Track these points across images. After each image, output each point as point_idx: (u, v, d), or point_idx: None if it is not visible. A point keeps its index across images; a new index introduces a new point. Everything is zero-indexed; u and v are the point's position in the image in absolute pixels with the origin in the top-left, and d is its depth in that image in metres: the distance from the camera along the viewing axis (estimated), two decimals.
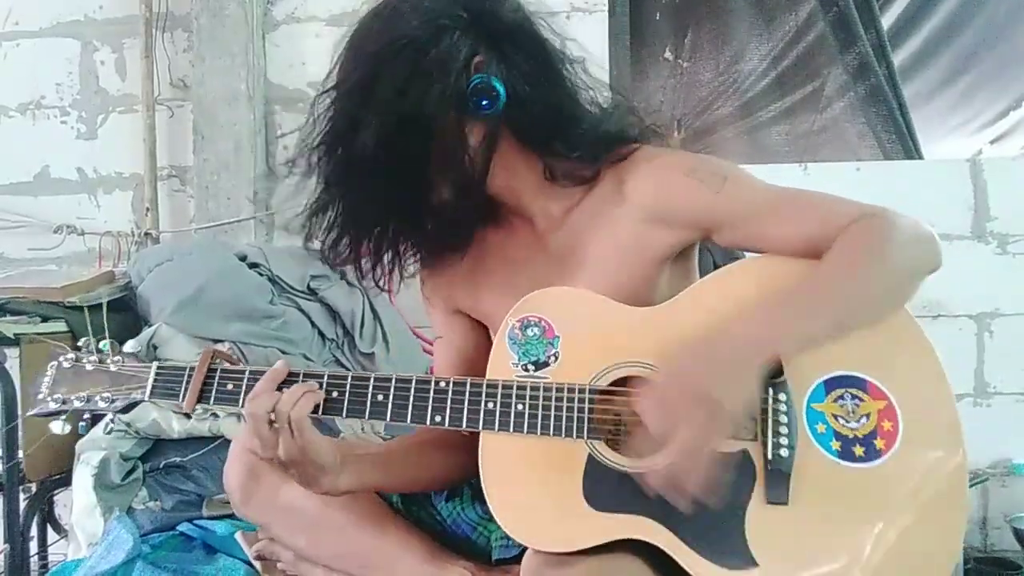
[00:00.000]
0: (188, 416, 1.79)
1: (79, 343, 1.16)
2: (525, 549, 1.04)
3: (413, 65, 1.01)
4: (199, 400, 1.08)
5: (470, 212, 1.12)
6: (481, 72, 1.04)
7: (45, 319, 1.93)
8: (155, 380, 1.10)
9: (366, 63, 1.04)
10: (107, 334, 1.88)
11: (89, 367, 1.13)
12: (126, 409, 1.13)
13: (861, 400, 0.96)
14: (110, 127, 2.69)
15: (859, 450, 0.94)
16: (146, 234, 2.58)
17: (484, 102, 1.04)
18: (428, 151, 1.04)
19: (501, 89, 1.04)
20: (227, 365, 1.10)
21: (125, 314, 2.10)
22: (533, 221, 1.15)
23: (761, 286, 1.02)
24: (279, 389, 1.04)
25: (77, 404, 1.11)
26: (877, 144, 2.78)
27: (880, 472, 0.94)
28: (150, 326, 2.00)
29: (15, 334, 1.81)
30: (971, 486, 2.28)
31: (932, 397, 0.97)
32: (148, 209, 2.60)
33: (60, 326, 1.93)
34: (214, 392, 1.08)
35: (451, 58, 1.02)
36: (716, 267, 1.16)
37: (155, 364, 1.11)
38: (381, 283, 1.18)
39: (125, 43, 2.67)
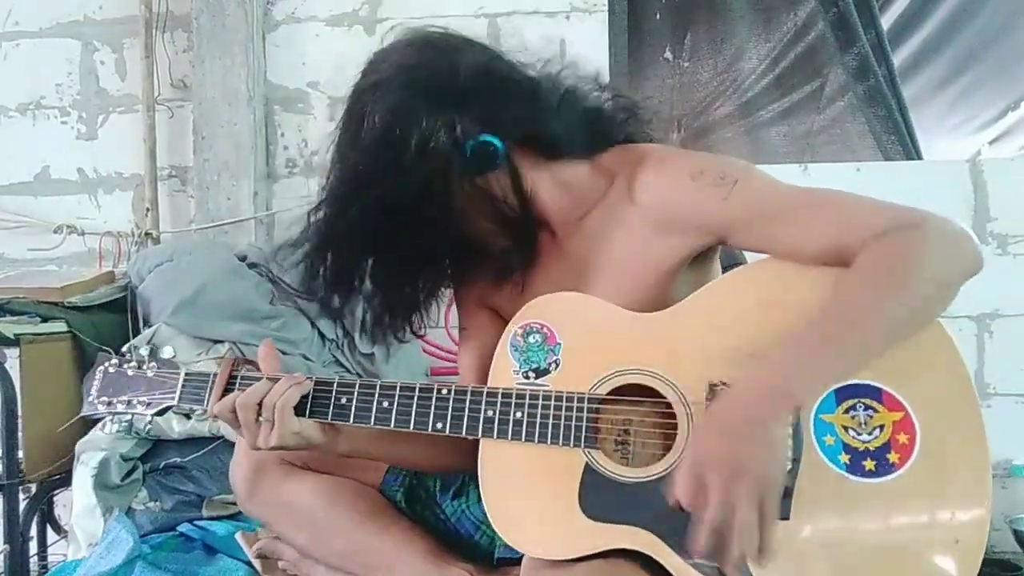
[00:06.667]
0: (188, 416, 1.79)
1: (123, 348, 1.21)
2: None
3: (401, 168, 1.03)
4: None
5: (530, 237, 1.14)
6: (469, 138, 1.04)
7: (45, 319, 1.92)
8: (183, 386, 1.14)
9: (357, 181, 1.06)
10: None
11: (130, 372, 1.17)
12: (160, 413, 1.17)
13: (875, 411, 0.91)
14: (110, 127, 2.69)
15: (870, 464, 0.90)
16: (146, 234, 2.58)
17: (489, 161, 1.06)
18: (463, 228, 1.09)
19: (496, 141, 1.05)
20: (248, 371, 1.12)
21: (125, 314, 2.10)
22: (552, 228, 1.15)
23: (765, 293, 1.00)
24: None
25: (120, 408, 1.16)
26: (877, 144, 2.77)
27: (891, 488, 0.89)
28: (150, 326, 2.00)
29: (15, 334, 1.81)
30: None
31: (956, 410, 0.91)
32: (148, 209, 2.60)
33: (60, 326, 1.93)
34: None
35: (433, 146, 1.03)
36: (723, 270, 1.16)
37: (183, 371, 1.15)
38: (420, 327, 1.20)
39: (125, 43, 2.67)
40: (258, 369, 1.13)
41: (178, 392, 1.14)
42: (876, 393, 0.91)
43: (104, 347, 1.94)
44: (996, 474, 2.36)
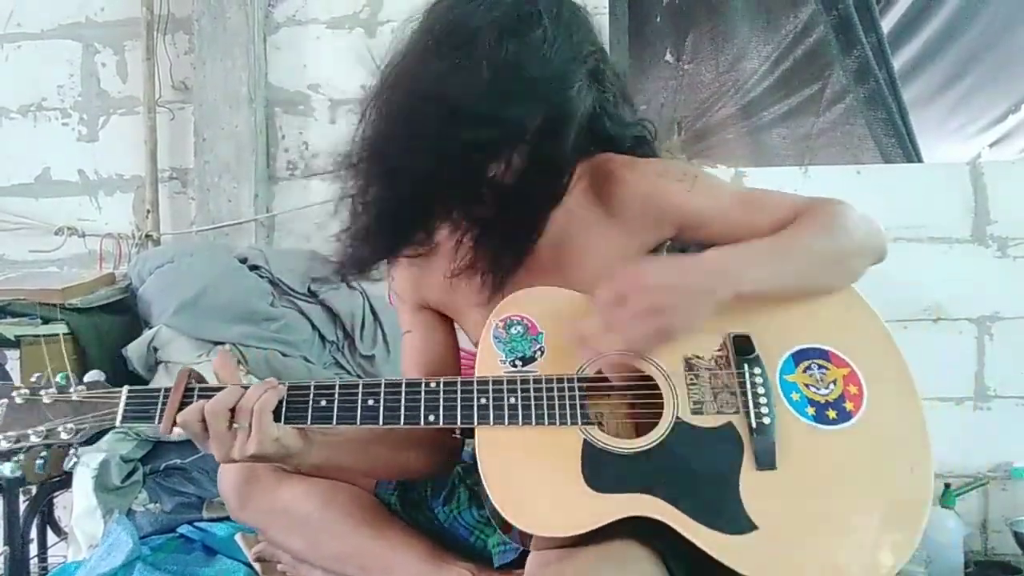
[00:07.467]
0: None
1: (32, 378, 1.09)
2: (525, 554, 1.06)
3: (557, 83, 1.01)
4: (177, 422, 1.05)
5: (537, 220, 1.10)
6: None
7: (46, 321, 1.93)
8: (127, 404, 1.06)
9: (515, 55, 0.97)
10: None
11: (47, 400, 1.07)
12: (94, 438, 1.07)
13: (827, 368, 1.06)
14: (111, 129, 2.69)
15: (832, 413, 1.03)
16: (147, 236, 2.58)
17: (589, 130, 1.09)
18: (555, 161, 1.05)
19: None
20: (204, 384, 1.06)
21: (126, 316, 2.10)
22: None
23: None
24: None
25: (35, 439, 1.05)
26: (877, 147, 2.78)
27: (854, 431, 1.02)
28: (151, 328, 2.00)
29: (16, 336, 1.81)
30: (971, 490, 2.29)
31: (884, 359, 1.07)
32: (149, 211, 2.60)
33: (61, 328, 1.93)
34: None
35: (587, 80, 1.05)
36: None
37: (126, 388, 1.07)
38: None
39: (126, 45, 2.67)
40: (204, 381, 1.07)
41: (120, 411, 1.05)
42: (824, 354, 1.07)
43: (107, 348, 1.95)
44: (996, 476, 2.36)
